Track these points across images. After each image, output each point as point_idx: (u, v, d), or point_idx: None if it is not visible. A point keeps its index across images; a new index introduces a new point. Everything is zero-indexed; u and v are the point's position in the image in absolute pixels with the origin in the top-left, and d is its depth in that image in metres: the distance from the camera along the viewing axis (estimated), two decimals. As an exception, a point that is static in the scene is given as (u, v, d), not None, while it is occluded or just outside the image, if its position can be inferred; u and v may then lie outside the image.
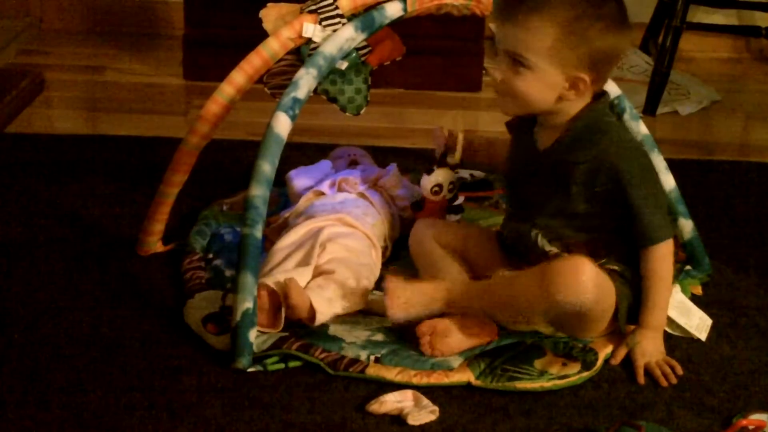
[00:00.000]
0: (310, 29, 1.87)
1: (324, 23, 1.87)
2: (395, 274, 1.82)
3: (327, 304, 1.80)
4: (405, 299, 1.75)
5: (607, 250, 1.78)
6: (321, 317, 1.79)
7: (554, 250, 1.78)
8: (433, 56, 3.00)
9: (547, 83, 1.70)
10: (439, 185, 2.05)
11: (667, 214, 1.80)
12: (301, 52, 1.89)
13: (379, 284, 1.91)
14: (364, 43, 1.93)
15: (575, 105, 1.75)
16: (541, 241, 1.78)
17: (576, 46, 1.68)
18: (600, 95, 1.77)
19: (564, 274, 1.67)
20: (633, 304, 1.79)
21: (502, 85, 1.74)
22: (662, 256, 1.76)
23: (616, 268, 1.77)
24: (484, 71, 3.11)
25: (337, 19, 1.87)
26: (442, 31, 2.98)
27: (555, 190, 1.76)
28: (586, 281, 1.67)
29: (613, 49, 1.71)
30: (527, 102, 1.73)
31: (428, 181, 2.05)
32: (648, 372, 1.74)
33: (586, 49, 1.68)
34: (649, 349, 1.76)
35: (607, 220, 1.76)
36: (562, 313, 1.71)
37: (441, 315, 1.76)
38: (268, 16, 1.92)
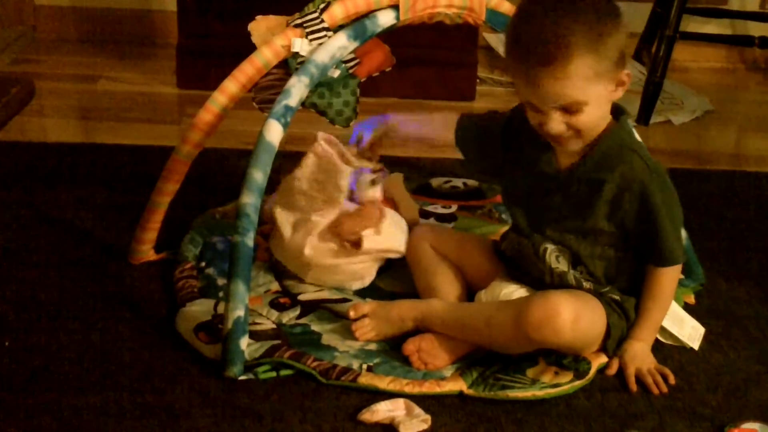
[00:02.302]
0: (298, 43, 1.87)
1: (310, 37, 1.87)
2: (361, 304, 1.84)
3: None
4: (372, 327, 1.81)
5: (618, 267, 1.78)
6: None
7: (561, 268, 1.77)
8: (427, 66, 3.00)
9: (603, 100, 1.69)
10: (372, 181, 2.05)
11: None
12: (289, 65, 1.89)
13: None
14: (352, 56, 1.93)
15: (604, 118, 1.73)
16: (549, 258, 1.77)
17: (611, 57, 1.64)
18: (620, 112, 1.75)
19: (540, 316, 1.67)
20: (625, 335, 1.79)
21: (563, 132, 1.69)
22: (670, 278, 1.78)
23: (617, 297, 1.78)
24: (478, 81, 3.12)
25: (323, 33, 1.87)
26: (436, 41, 2.98)
27: (576, 207, 1.74)
28: (563, 323, 1.67)
29: (625, 33, 1.68)
30: (592, 129, 1.70)
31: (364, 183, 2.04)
32: (640, 381, 1.74)
33: (617, 52, 1.65)
34: (640, 355, 1.77)
35: (623, 237, 1.75)
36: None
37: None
38: (257, 29, 1.92)
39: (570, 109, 1.66)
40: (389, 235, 1.97)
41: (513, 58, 1.67)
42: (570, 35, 1.60)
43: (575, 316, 1.68)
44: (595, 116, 1.69)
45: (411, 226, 2.06)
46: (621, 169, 1.71)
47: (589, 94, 1.64)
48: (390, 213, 2.01)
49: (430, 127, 2.04)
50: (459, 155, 2.55)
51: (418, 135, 2.07)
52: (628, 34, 1.69)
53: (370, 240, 1.94)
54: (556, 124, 1.67)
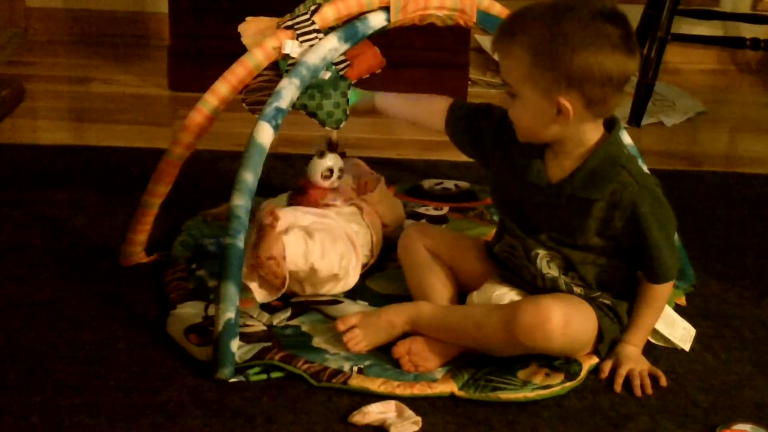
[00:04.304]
0: (289, 45, 1.87)
1: (301, 39, 1.87)
2: (348, 316, 1.82)
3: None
4: (362, 337, 1.79)
5: (611, 274, 1.77)
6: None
7: (552, 273, 1.77)
8: (418, 68, 3.00)
9: (534, 109, 1.67)
10: (330, 170, 2.04)
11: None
12: (280, 67, 1.89)
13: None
14: (342, 58, 1.92)
15: (588, 134, 1.71)
16: (540, 263, 1.77)
17: (549, 69, 1.62)
18: (613, 123, 1.74)
19: (530, 321, 1.66)
20: (618, 339, 1.80)
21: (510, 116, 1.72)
22: (664, 292, 1.78)
23: (608, 302, 1.77)
24: (469, 82, 3.12)
25: (314, 35, 1.87)
26: (427, 43, 2.98)
27: (566, 223, 1.74)
28: (553, 329, 1.67)
29: (598, 70, 1.62)
30: (524, 129, 1.71)
31: (319, 165, 2.03)
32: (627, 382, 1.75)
33: (560, 71, 1.62)
34: (634, 357, 1.77)
35: (615, 249, 1.75)
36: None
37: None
38: (247, 31, 1.92)
39: (510, 93, 1.70)
40: (318, 266, 1.90)
41: None
42: (528, 26, 1.64)
43: (565, 322, 1.68)
44: (523, 116, 1.69)
45: (397, 225, 2.06)
46: (611, 187, 1.70)
47: (518, 87, 1.67)
48: (321, 232, 1.93)
49: (417, 110, 2.01)
50: (450, 157, 2.58)
51: (404, 116, 2.05)
52: (606, 75, 1.63)
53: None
54: (505, 104, 1.72)
